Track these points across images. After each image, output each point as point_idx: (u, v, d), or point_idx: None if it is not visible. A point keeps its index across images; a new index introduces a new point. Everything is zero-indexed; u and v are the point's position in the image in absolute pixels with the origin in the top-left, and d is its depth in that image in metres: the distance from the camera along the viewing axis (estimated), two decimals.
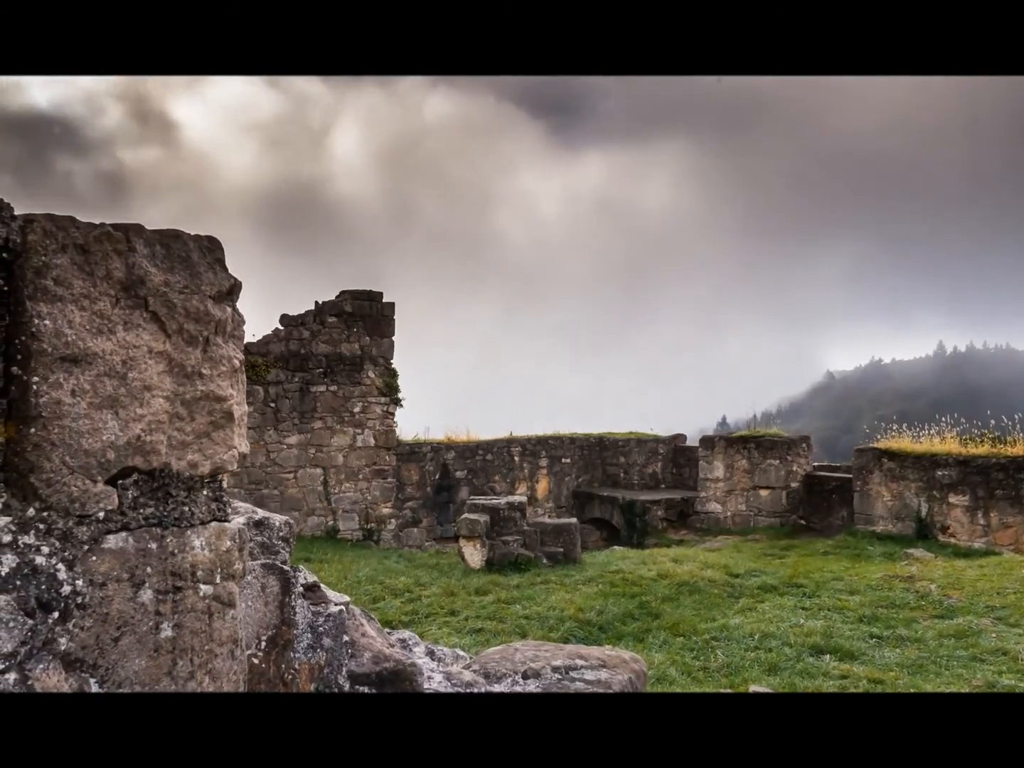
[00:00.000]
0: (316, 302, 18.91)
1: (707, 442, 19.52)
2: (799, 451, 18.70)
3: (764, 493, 18.54)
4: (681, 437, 22.65)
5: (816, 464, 19.57)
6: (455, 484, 20.17)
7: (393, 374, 19.28)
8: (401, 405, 19.45)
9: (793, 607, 9.80)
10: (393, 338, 19.35)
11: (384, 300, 19.33)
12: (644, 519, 19.14)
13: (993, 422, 16.87)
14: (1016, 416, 15.88)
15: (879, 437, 17.54)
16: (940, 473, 15.07)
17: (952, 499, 14.81)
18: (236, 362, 1.90)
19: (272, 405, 18.01)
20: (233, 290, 1.91)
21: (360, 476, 18.81)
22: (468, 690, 3.21)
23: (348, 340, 18.83)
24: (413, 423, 23.85)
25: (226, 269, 1.90)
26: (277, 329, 18.51)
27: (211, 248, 1.86)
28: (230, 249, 1.91)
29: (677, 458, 22.01)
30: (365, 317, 18.99)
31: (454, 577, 11.88)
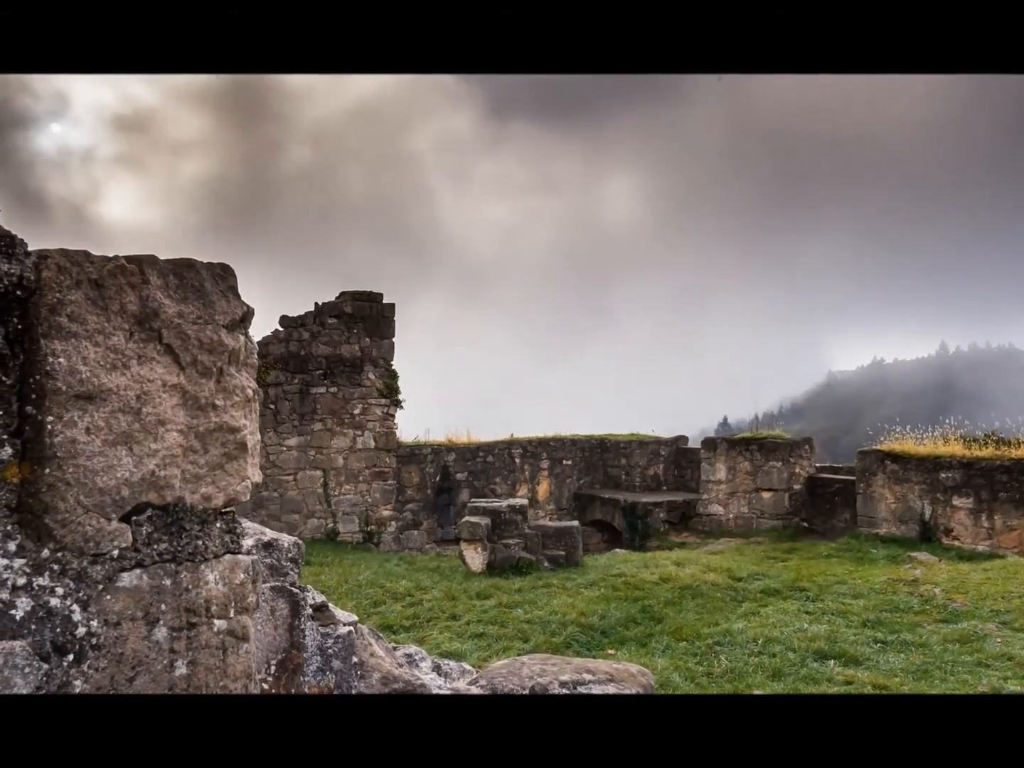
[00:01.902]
0: (316, 303, 18.88)
1: (709, 444, 19.46)
2: (802, 453, 18.63)
3: (766, 495, 18.49)
4: (683, 439, 22.56)
5: (819, 465, 19.46)
6: (456, 486, 20.13)
7: (393, 375, 19.24)
8: (401, 407, 19.42)
9: (796, 611, 9.75)
10: (393, 339, 19.32)
11: (384, 301, 19.29)
12: (646, 521, 19.08)
13: (997, 424, 16.83)
14: (1020, 417, 15.84)
15: (882, 439, 17.47)
16: (944, 475, 15.01)
17: (956, 502, 14.75)
18: (249, 391, 1.87)
19: (272, 407, 17.98)
20: (246, 317, 1.88)
21: (360, 478, 18.78)
22: None
23: (348, 341, 18.78)
24: (413, 425, 23.86)
25: (239, 296, 1.87)
26: (277, 330, 18.47)
27: (223, 276, 1.83)
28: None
29: (679, 460, 21.93)
30: (365, 318, 18.95)
31: (455, 580, 11.83)
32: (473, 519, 12.82)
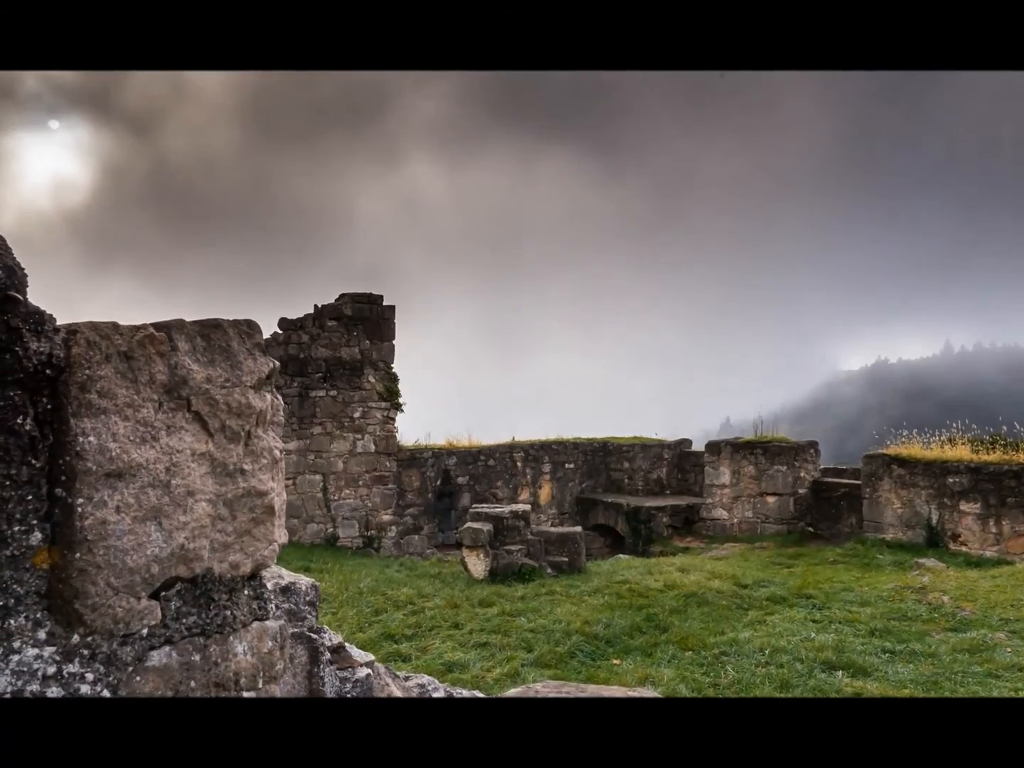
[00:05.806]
0: (315, 305, 18.79)
1: (713, 448, 19.37)
2: (807, 457, 18.52)
3: (771, 500, 18.39)
4: (686, 442, 22.45)
5: (824, 468, 19.38)
6: (457, 490, 20.05)
7: (394, 378, 19.16)
8: (402, 410, 19.34)
9: (803, 620, 9.70)
10: (393, 342, 19.24)
11: (384, 303, 19.21)
12: (649, 526, 19.00)
13: (1005, 428, 16.75)
14: None
15: (888, 442, 17.39)
16: (951, 480, 14.95)
17: (963, 507, 14.71)
18: (276, 453, 1.81)
19: None
20: (271, 374, 1.83)
21: (360, 482, 18.70)
22: None
23: (348, 344, 18.70)
24: (414, 428, 23.74)
25: (264, 353, 1.81)
26: (275, 333, 18.37)
27: (250, 333, 1.78)
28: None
29: (682, 463, 21.82)
30: (365, 320, 18.87)
31: (457, 588, 11.76)
32: (475, 525, 12.74)
